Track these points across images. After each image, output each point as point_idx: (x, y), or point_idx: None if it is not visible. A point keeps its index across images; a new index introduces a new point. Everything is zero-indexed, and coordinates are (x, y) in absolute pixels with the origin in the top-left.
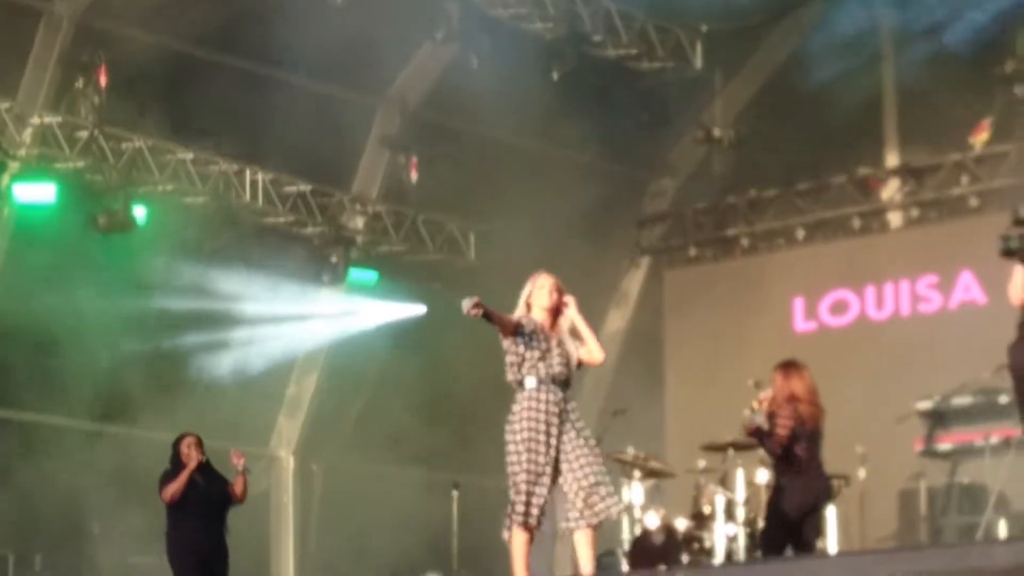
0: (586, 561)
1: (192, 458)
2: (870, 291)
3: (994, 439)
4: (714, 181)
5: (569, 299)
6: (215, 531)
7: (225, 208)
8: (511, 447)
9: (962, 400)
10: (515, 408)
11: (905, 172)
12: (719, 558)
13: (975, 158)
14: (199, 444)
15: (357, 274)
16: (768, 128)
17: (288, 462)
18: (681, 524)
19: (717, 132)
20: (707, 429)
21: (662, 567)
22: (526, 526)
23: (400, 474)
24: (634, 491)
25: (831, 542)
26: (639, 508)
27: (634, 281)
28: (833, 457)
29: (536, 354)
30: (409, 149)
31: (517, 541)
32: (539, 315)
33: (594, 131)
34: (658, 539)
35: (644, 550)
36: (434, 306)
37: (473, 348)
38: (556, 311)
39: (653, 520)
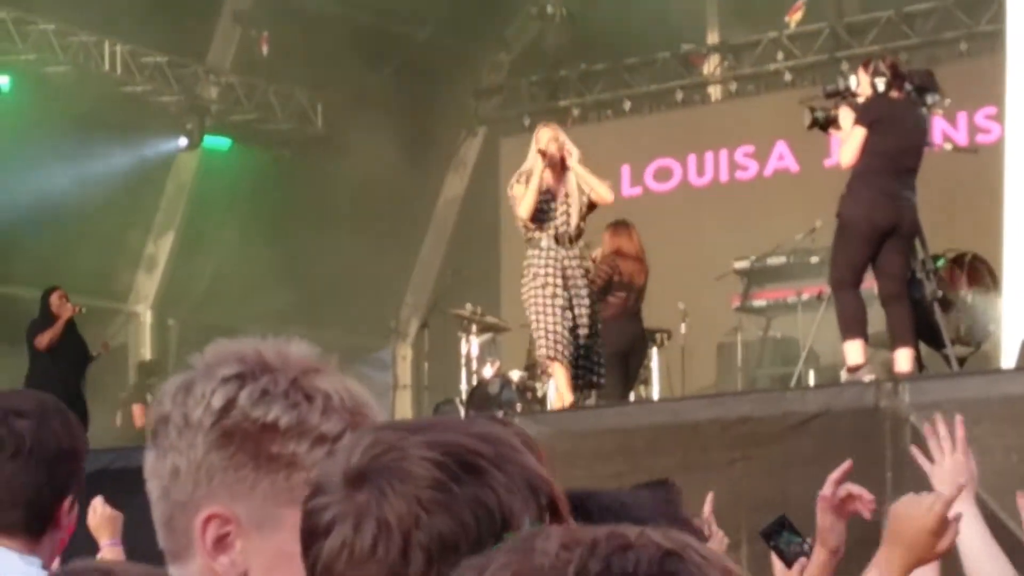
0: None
1: (66, 309)
2: (692, 159)
3: (805, 296)
4: (547, 55)
5: (572, 149)
6: (75, 384)
7: (85, 77)
8: (528, 296)
9: (776, 260)
10: (527, 264)
11: (725, 49)
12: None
13: (789, 36)
14: (66, 298)
15: (211, 141)
16: (598, 5)
17: (146, 317)
18: (515, 375)
19: (550, 9)
20: None
21: (499, 412)
22: (560, 358)
23: (251, 329)
24: (472, 344)
25: (655, 390)
26: (476, 360)
27: (471, 149)
28: (657, 312)
29: (543, 215)
30: (260, 24)
31: (560, 373)
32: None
33: (432, 9)
34: (494, 388)
35: (481, 398)
36: (285, 173)
37: (321, 210)
38: (561, 162)
39: (488, 371)
